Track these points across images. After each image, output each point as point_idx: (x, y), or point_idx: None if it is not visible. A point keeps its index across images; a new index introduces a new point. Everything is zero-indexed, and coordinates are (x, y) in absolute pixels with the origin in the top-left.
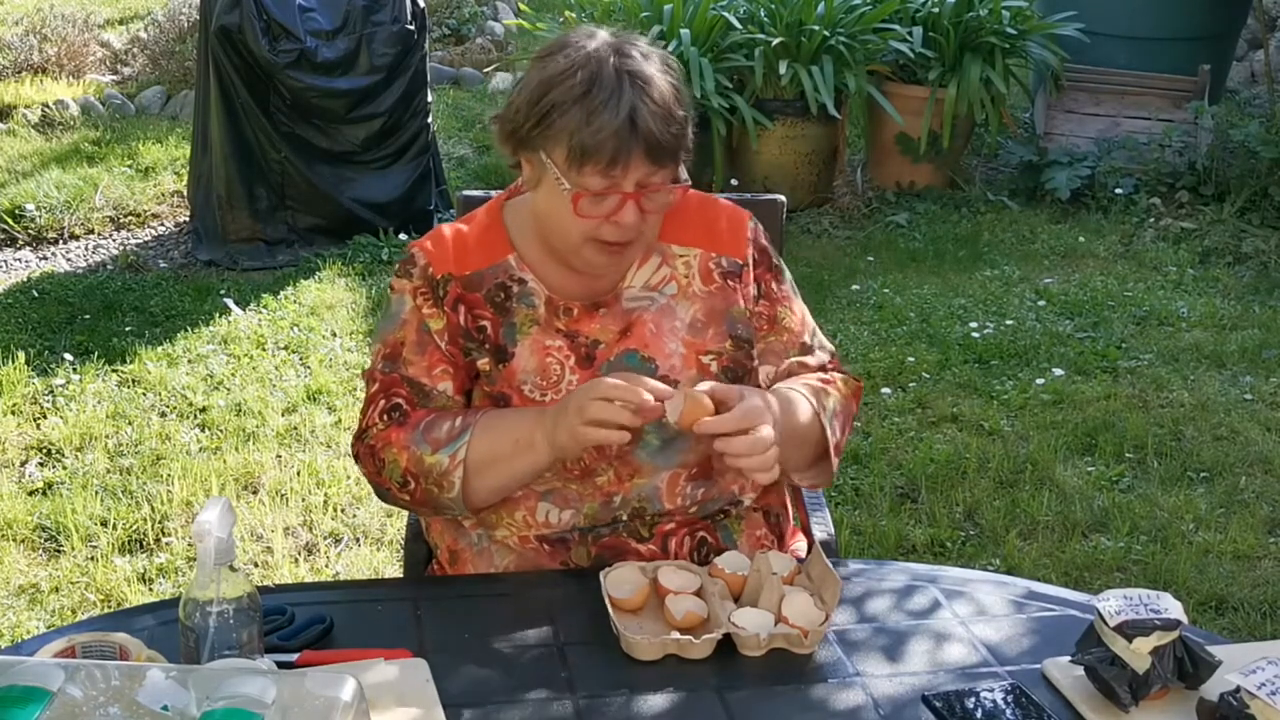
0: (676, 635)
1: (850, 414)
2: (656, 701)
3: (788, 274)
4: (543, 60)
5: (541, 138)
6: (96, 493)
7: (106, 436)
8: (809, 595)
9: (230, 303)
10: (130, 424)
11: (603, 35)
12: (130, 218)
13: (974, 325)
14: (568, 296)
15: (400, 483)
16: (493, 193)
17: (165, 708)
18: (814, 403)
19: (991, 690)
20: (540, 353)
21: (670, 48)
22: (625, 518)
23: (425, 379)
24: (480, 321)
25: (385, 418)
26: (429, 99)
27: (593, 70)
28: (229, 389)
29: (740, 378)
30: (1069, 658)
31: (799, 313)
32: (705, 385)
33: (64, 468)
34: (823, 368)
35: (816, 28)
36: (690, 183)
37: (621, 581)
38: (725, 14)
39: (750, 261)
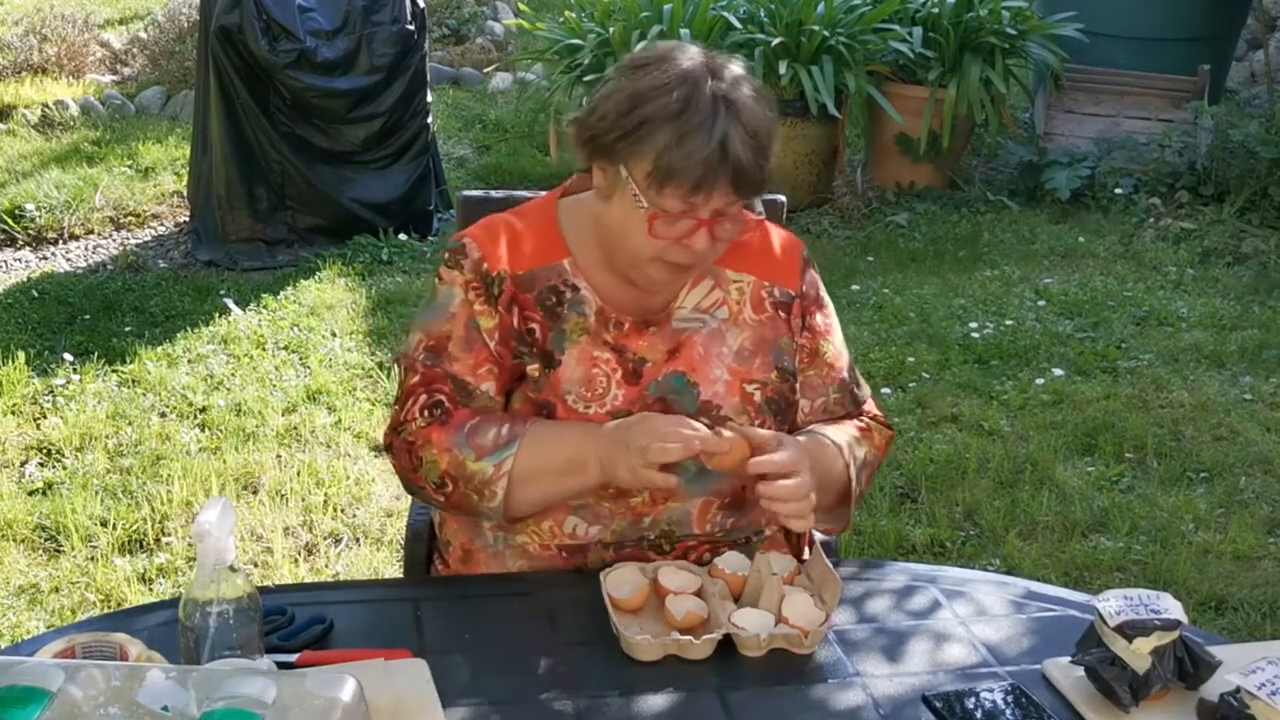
0: (677, 636)
1: (877, 465)
2: (656, 702)
3: (831, 306)
4: (635, 71)
5: (626, 151)
6: (96, 493)
7: (106, 436)
8: (809, 595)
9: (230, 303)
10: (130, 424)
11: (696, 52)
12: (130, 218)
13: (974, 325)
14: (619, 309)
15: (437, 484)
16: (492, 193)
17: (165, 708)
18: (846, 454)
19: (991, 690)
20: (588, 363)
21: None
22: (652, 537)
23: (470, 377)
24: (529, 324)
25: (426, 414)
26: (429, 99)
27: (689, 90)
28: (229, 389)
29: (783, 410)
30: (1069, 658)
31: (840, 347)
32: (732, 432)
33: (64, 468)
34: (860, 406)
35: (816, 28)
36: (764, 215)
37: (621, 582)
38: (725, 14)
39: (801, 294)
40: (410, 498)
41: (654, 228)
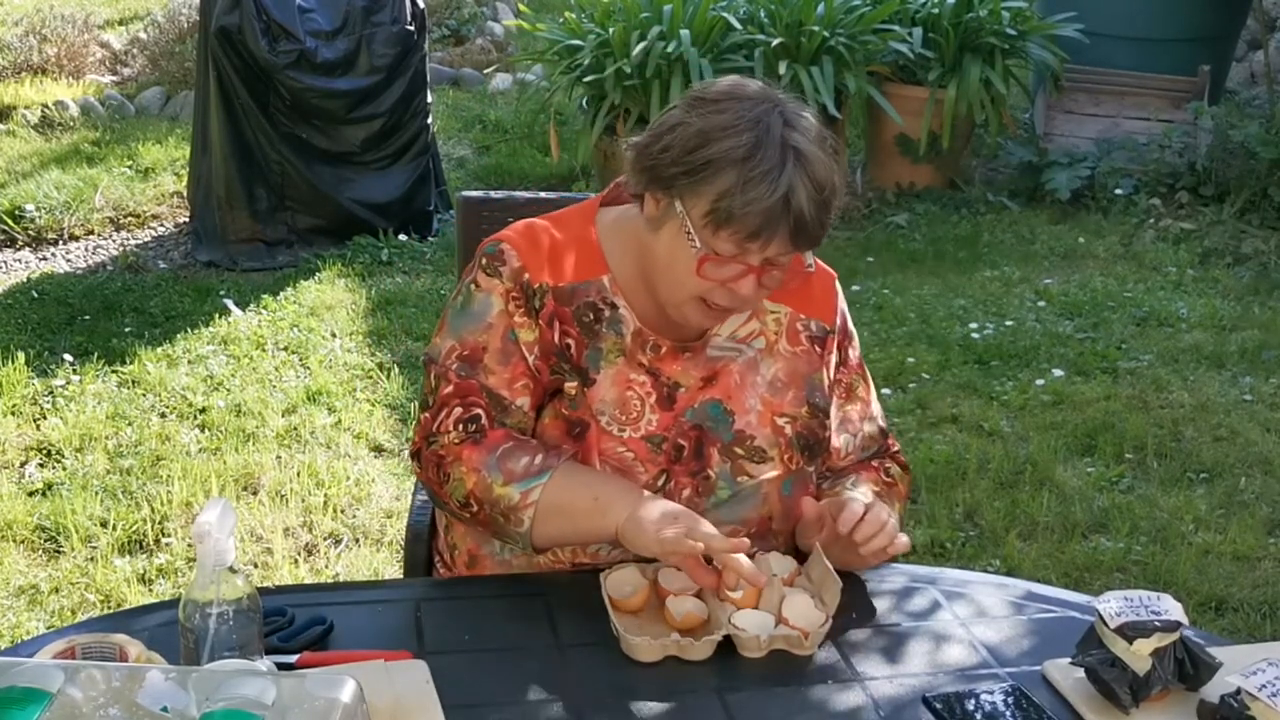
0: (677, 637)
1: (898, 512)
2: (656, 702)
3: (857, 340)
4: (704, 105)
5: (686, 188)
6: (96, 493)
7: (106, 437)
8: (809, 596)
9: (230, 303)
10: (130, 425)
11: (770, 94)
12: (130, 218)
13: (974, 326)
14: (657, 331)
15: (461, 503)
16: (492, 193)
17: (165, 709)
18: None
19: (991, 692)
20: (622, 385)
21: (670, 48)
22: (673, 561)
23: (505, 391)
24: (565, 340)
25: (461, 428)
26: (429, 99)
27: (759, 135)
28: (229, 390)
29: (811, 447)
30: (1069, 659)
31: (869, 383)
32: (786, 564)
33: (64, 468)
34: (886, 438)
35: (816, 28)
36: (814, 267)
37: (621, 583)
38: (725, 14)
39: (836, 328)
40: (410, 498)
41: (703, 269)
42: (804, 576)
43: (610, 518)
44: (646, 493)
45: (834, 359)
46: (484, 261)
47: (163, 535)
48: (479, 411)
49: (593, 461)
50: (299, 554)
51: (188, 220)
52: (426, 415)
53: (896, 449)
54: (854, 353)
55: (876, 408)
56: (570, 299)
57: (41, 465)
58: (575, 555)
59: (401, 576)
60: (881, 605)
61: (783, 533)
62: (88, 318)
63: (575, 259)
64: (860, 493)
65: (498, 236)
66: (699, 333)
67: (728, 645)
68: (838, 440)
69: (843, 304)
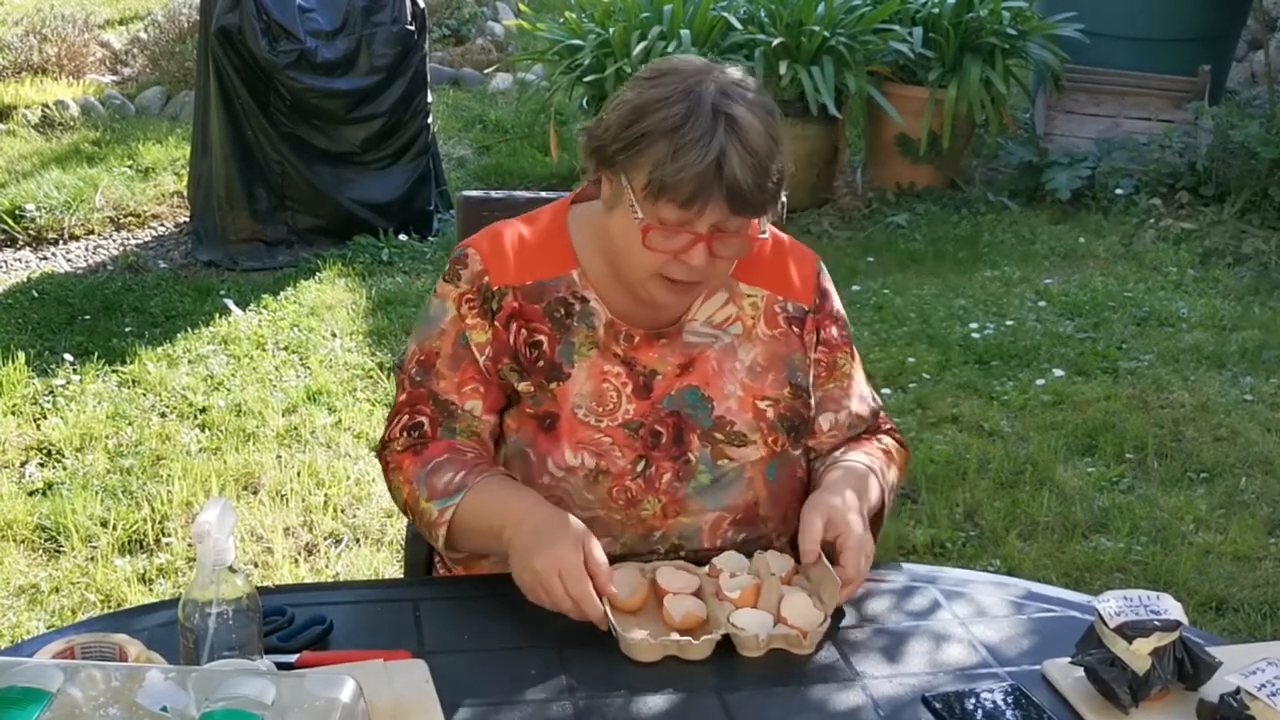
0: (676, 636)
1: (897, 488)
2: (656, 703)
3: (846, 322)
4: (643, 82)
5: (626, 162)
6: (96, 493)
7: (106, 437)
8: (807, 596)
9: (230, 303)
10: (130, 424)
11: (707, 66)
12: (130, 218)
13: (974, 326)
14: (630, 322)
15: (401, 508)
16: (493, 193)
17: (164, 709)
18: (881, 479)
19: (991, 691)
20: (597, 377)
21: (670, 48)
22: (662, 551)
23: (454, 396)
24: (536, 336)
25: (405, 435)
26: (429, 99)
27: (690, 105)
28: (229, 389)
29: (795, 428)
30: (1069, 659)
31: (854, 360)
32: (784, 563)
33: (64, 468)
34: (876, 419)
35: (816, 28)
36: (768, 235)
37: (620, 582)
38: (725, 14)
39: (814, 308)
40: None
41: (648, 239)
42: (801, 575)
43: (504, 547)
44: (532, 523)
45: (814, 339)
46: (447, 267)
47: (163, 535)
48: (423, 419)
49: (563, 454)
50: (299, 554)
51: (188, 220)
52: (388, 418)
53: (890, 426)
54: (837, 331)
55: (866, 389)
56: (540, 296)
57: (42, 465)
58: None
59: (401, 576)
60: (881, 605)
61: (771, 518)
62: (88, 317)
63: (544, 256)
64: (865, 457)
65: (466, 241)
66: (673, 318)
67: (727, 645)
68: (821, 419)
69: (827, 285)
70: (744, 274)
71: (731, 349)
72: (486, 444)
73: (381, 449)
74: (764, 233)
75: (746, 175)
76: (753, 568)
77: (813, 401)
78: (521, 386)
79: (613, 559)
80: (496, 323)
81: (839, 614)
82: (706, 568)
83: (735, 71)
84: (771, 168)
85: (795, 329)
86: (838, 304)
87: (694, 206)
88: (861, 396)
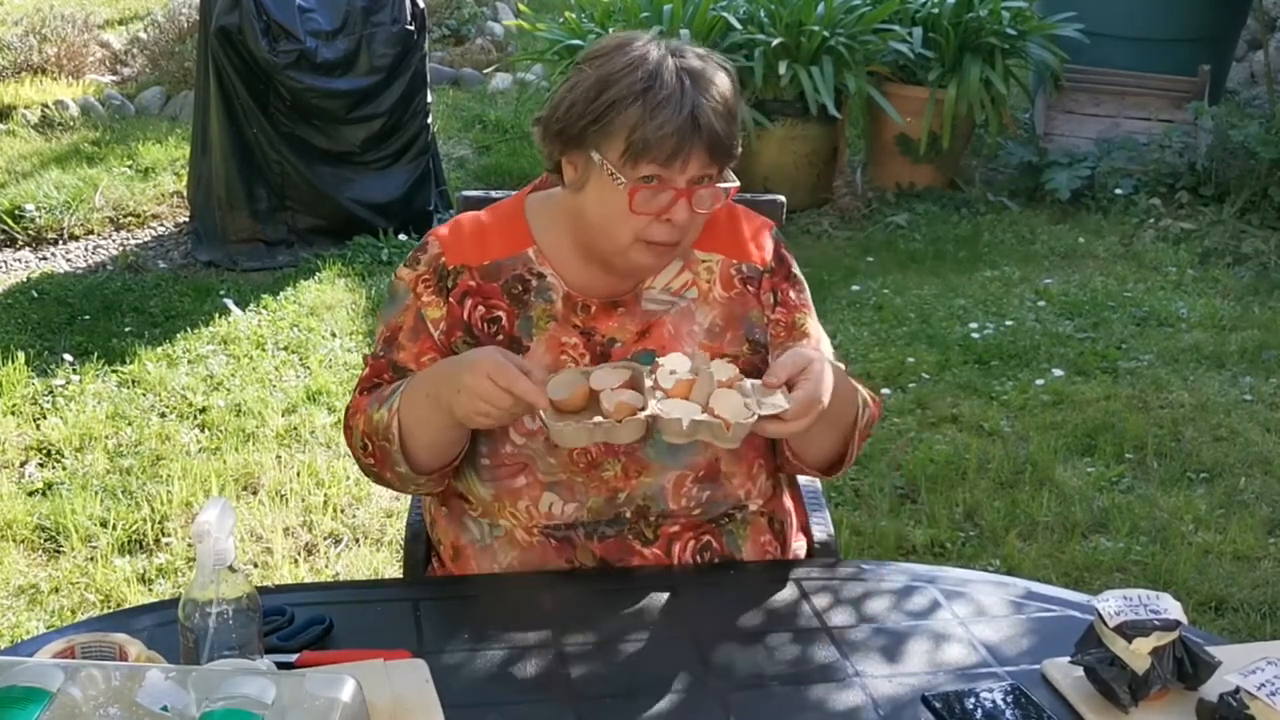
0: (600, 419)
1: (872, 421)
2: (656, 703)
3: (805, 286)
4: (597, 59)
5: (598, 135)
6: (96, 493)
7: (106, 437)
8: (741, 397)
9: (230, 303)
10: (130, 424)
11: (651, 37)
12: (130, 218)
13: (974, 326)
14: (586, 293)
15: (362, 446)
16: (493, 193)
17: (165, 708)
18: (857, 394)
19: (991, 691)
20: (555, 349)
21: None
22: (629, 515)
23: (413, 365)
24: (495, 312)
25: (362, 393)
26: (429, 99)
27: (651, 69)
28: (229, 389)
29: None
30: (1068, 658)
31: (816, 323)
32: (728, 370)
33: (64, 468)
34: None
35: (816, 28)
36: (739, 184)
37: (560, 384)
38: (725, 14)
39: (770, 269)
40: (409, 498)
41: (635, 201)
42: (745, 385)
43: (446, 411)
44: (452, 360)
45: (771, 299)
46: (409, 255)
47: (163, 535)
48: (380, 382)
49: (522, 420)
50: (299, 553)
51: (188, 220)
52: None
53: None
54: (795, 294)
55: (828, 349)
56: (497, 274)
57: (41, 465)
58: (532, 518)
59: (401, 576)
60: (881, 604)
61: (735, 474)
62: (88, 317)
63: (501, 238)
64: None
65: (431, 231)
66: (630, 287)
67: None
68: None
69: (785, 253)
70: (700, 241)
71: (688, 312)
72: None
73: (345, 416)
74: (735, 182)
75: (720, 123)
76: (693, 367)
77: (772, 360)
78: None
79: (581, 526)
80: (451, 299)
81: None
82: (649, 367)
83: (673, 39)
84: (737, 113)
85: (751, 288)
86: (796, 270)
87: (676, 161)
88: (825, 350)
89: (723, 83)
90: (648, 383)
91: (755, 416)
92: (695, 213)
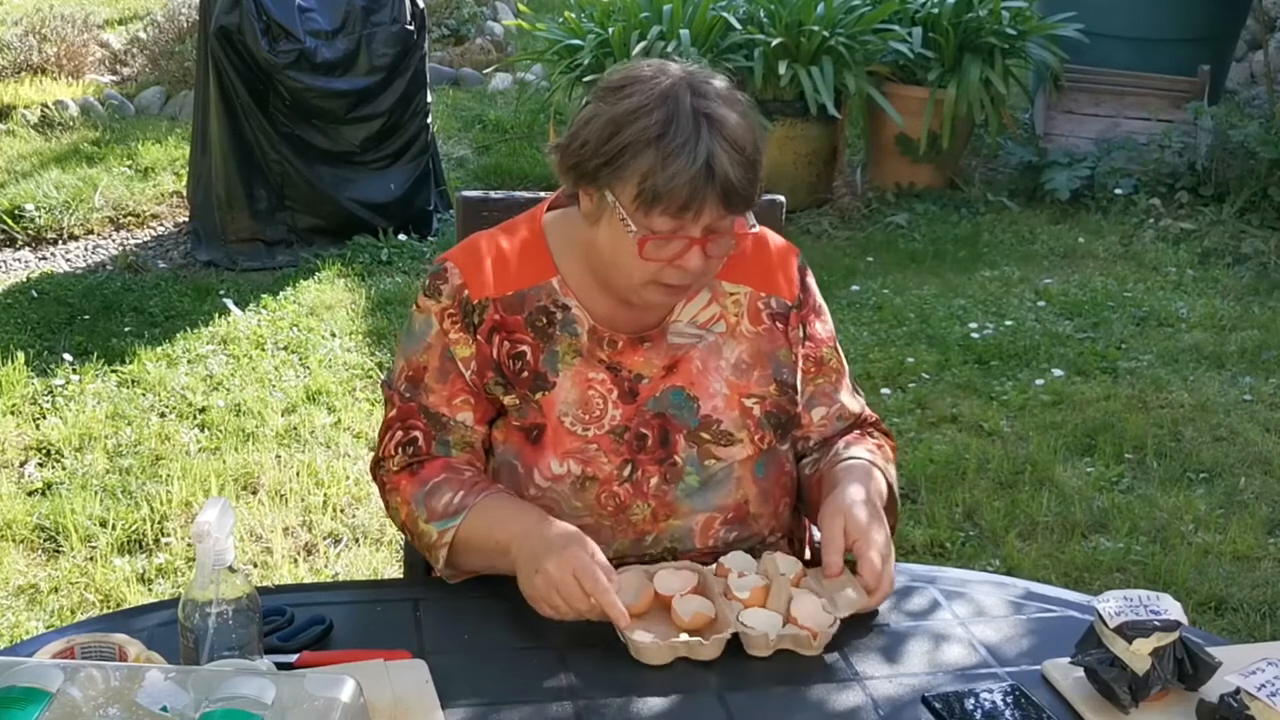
0: (685, 637)
1: (894, 481)
2: (656, 703)
3: (828, 314)
4: (612, 94)
5: (610, 177)
6: (96, 493)
7: (106, 437)
8: (816, 597)
9: (230, 303)
10: (129, 424)
11: (675, 70)
12: (130, 218)
13: (973, 326)
14: (612, 326)
15: (399, 526)
16: (492, 193)
17: (164, 708)
18: (887, 474)
19: (991, 691)
20: (583, 385)
21: (670, 48)
22: (655, 554)
23: (444, 409)
24: (519, 347)
25: (400, 453)
26: (428, 99)
27: (669, 110)
28: (228, 389)
29: (782, 424)
30: (1068, 659)
31: (840, 355)
32: (791, 564)
33: (63, 468)
34: (864, 411)
35: (816, 28)
36: (758, 228)
37: (624, 586)
38: (725, 14)
39: (798, 303)
40: None
41: (645, 250)
42: (810, 578)
43: (509, 566)
44: (547, 528)
45: (799, 334)
46: (426, 283)
47: (162, 535)
48: (417, 434)
49: (548, 464)
50: (298, 554)
51: (187, 220)
52: (379, 438)
53: (876, 419)
54: (823, 328)
55: (853, 381)
56: (520, 306)
57: (41, 465)
58: None
59: (401, 576)
60: (881, 605)
61: (762, 515)
62: (87, 317)
63: (522, 265)
64: (865, 453)
65: (444, 255)
66: (656, 321)
67: (734, 645)
68: (811, 414)
69: (809, 280)
70: (726, 272)
71: (716, 348)
72: (480, 457)
73: (375, 467)
74: (754, 226)
75: (737, 172)
76: (761, 568)
77: (801, 397)
78: (507, 400)
79: (624, 566)
80: (479, 336)
81: (872, 613)
82: (713, 567)
83: (696, 68)
84: (758, 160)
85: (779, 325)
86: (819, 297)
87: (689, 212)
88: (850, 390)
89: (744, 126)
90: (717, 588)
91: (837, 622)
92: (710, 258)
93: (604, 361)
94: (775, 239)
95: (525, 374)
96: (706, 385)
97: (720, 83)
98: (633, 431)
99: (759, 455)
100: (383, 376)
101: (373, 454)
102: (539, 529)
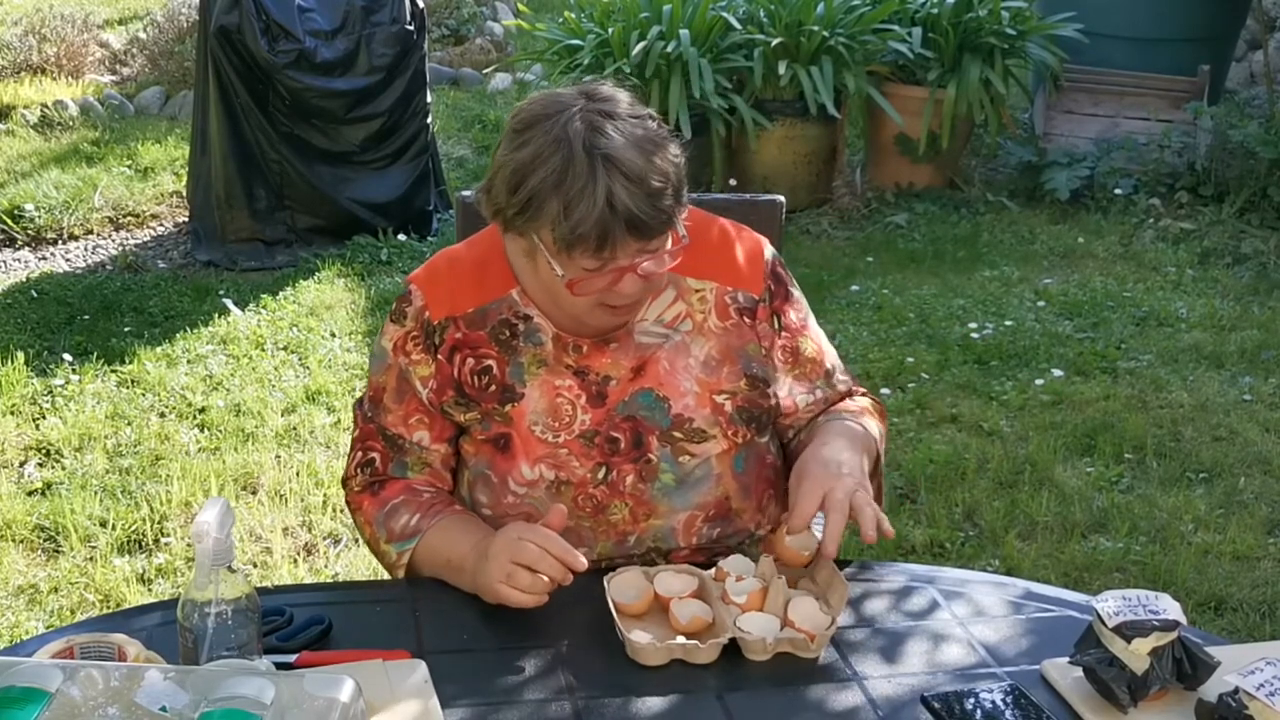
0: (682, 640)
1: (883, 435)
2: (656, 703)
3: (802, 299)
4: (516, 137)
5: (526, 224)
6: (95, 493)
7: (105, 437)
8: (814, 599)
9: (229, 303)
10: (129, 424)
11: (573, 102)
12: (129, 218)
13: (973, 326)
14: (576, 333)
15: (365, 544)
16: None
17: (164, 708)
18: (867, 429)
19: (990, 691)
20: (550, 393)
21: (670, 48)
22: (639, 554)
23: (401, 429)
24: (485, 362)
25: (360, 472)
26: (428, 99)
27: (564, 156)
28: (228, 389)
29: (756, 418)
30: (1068, 658)
31: (818, 339)
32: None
33: (63, 468)
34: (850, 393)
35: (816, 28)
36: (688, 240)
37: (625, 586)
38: (724, 14)
39: (766, 296)
40: None
41: (576, 289)
42: (808, 579)
43: (465, 581)
44: (496, 537)
45: (771, 326)
46: (394, 306)
47: (162, 535)
48: (374, 455)
49: (520, 471)
50: (298, 554)
51: (187, 220)
52: (349, 453)
53: (863, 390)
54: (795, 315)
55: (834, 364)
56: (483, 321)
57: (41, 465)
58: None
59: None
60: (880, 605)
61: (745, 510)
62: (87, 317)
63: (482, 279)
64: (847, 418)
65: (410, 276)
66: (621, 323)
67: (732, 648)
68: (792, 400)
69: (780, 270)
70: (691, 268)
71: (684, 346)
72: (440, 475)
73: (344, 485)
74: (684, 240)
75: (639, 203)
76: (759, 571)
77: (780, 389)
78: (466, 418)
79: (625, 566)
80: (440, 356)
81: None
82: (712, 571)
83: (603, 88)
84: (656, 185)
85: (747, 319)
86: (793, 286)
87: (606, 250)
88: (828, 373)
89: (636, 153)
90: (715, 592)
91: (834, 624)
92: (648, 278)
93: (570, 367)
94: (743, 232)
95: (493, 388)
96: (676, 385)
97: (622, 104)
98: (603, 435)
99: (736, 450)
100: (358, 396)
101: (343, 471)
102: (485, 541)
